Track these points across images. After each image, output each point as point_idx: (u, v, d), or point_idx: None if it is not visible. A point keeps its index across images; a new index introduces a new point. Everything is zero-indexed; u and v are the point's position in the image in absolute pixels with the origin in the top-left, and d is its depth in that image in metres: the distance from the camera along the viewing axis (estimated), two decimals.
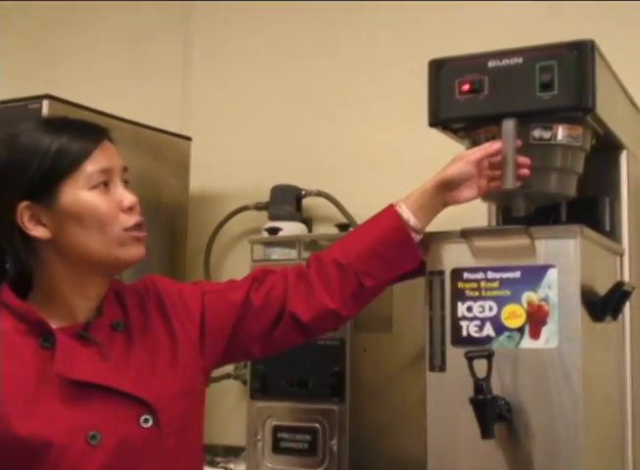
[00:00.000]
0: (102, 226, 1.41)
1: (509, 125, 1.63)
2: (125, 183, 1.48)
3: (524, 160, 1.62)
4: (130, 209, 1.45)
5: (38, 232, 1.41)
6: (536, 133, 1.66)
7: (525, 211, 1.69)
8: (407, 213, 1.63)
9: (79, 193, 1.40)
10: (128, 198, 1.45)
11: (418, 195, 1.65)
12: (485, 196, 1.72)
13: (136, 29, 3.13)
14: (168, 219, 2.67)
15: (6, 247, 1.45)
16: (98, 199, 1.41)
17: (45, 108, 2.21)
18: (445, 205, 1.66)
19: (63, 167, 1.39)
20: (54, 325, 1.42)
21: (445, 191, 1.64)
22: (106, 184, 1.43)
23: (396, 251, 1.63)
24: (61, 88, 2.37)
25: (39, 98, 2.23)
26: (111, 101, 2.63)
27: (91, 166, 1.41)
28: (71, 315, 1.45)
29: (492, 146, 1.63)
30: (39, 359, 1.38)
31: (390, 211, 1.64)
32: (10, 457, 1.34)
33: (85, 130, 1.46)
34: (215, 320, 1.56)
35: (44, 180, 1.39)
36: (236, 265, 2.72)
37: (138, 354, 1.46)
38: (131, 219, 1.44)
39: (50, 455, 1.33)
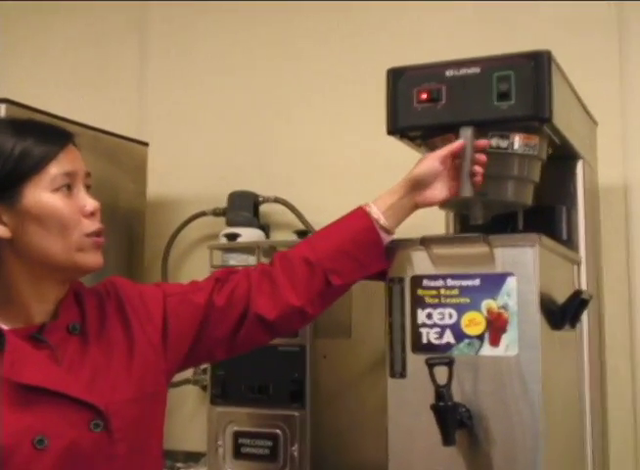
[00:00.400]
0: (63, 229, 1.40)
1: (466, 133, 1.65)
2: (87, 188, 1.47)
3: (478, 167, 1.63)
4: (92, 214, 1.44)
5: None
6: (493, 142, 1.68)
7: (483, 219, 1.71)
8: (377, 213, 1.64)
9: (42, 194, 1.39)
10: (91, 203, 1.45)
11: (387, 196, 1.66)
12: (443, 204, 1.73)
13: (91, 33, 3.10)
14: (126, 225, 2.65)
15: None
16: (60, 202, 1.41)
17: (3, 112, 2.18)
18: (416, 206, 1.67)
19: (27, 168, 1.39)
20: (8, 326, 1.41)
21: (415, 191, 1.65)
22: (69, 188, 1.42)
23: (366, 250, 1.64)
24: (16, 92, 2.34)
25: None
26: (67, 105, 2.60)
27: (55, 169, 1.40)
28: (27, 317, 1.43)
29: (456, 143, 1.65)
30: None
31: (360, 212, 1.66)
32: None
33: (51, 134, 1.45)
34: (178, 324, 1.55)
35: (7, 180, 1.38)
36: (193, 271, 2.71)
37: (93, 358, 1.44)
38: (92, 225, 1.44)
39: None
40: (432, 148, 1.74)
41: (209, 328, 1.58)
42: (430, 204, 1.68)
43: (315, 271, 1.61)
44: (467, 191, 1.63)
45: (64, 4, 3.13)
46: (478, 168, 1.63)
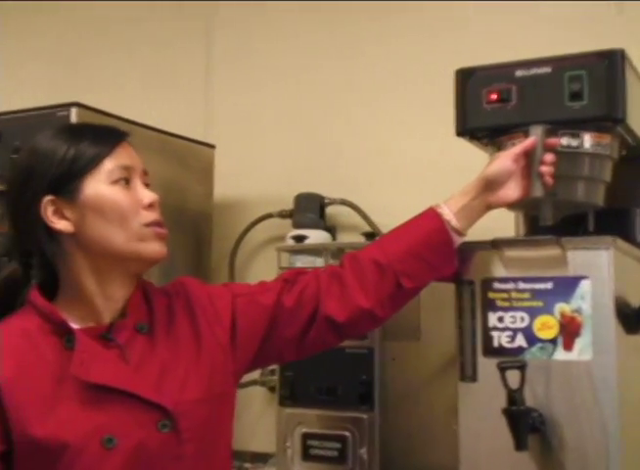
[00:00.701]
0: (122, 220, 1.43)
1: (537, 131, 1.62)
2: (146, 186, 1.50)
3: (548, 167, 1.60)
4: (151, 206, 1.47)
5: (62, 225, 1.43)
6: (564, 141, 1.65)
7: (553, 219, 1.68)
8: (449, 214, 1.60)
9: (101, 187, 1.43)
10: (148, 195, 1.47)
11: (459, 196, 1.63)
12: (513, 204, 1.70)
13: (160, 37, 3.14)
14: (193, 226, 2.68)
15: (31, 245, 1.47)
16: (119, 193, 1.44)
17: (73, 115, 2.22)
18: (489, 207, 1.63)
19: (84, 164, 1.42)
20: (79, 326, 1.43)
21: (488, 192, 1.61)
22: (127, 181, 1.46)
23: (437, 252, 1.60)
24: (86, 96, 2.37)
25: (67, 106, 2.24)
26: (136, 109, 2.64)
27: (111, 163, 1.44)
28: (96, 316, 1.46)
29: (529, 140, 1.61)
30: (62, 360, 1.39)
31: (432, 213, 1.62)
32: (26, 458, 1.35)
33: (105, 133, 1.49)
34: (247, 325, 1.55)
35: (65, 177, 1.42)
36: (260, 273, 2.70)
37: (161, 358, 1.45)
38: (151, 215, 1.46)
39: (65, 458, 1.34)
40: (498, 147, 1.72)
41: (278, 329, 1.57)
42: (503, 204, 1.64)
43: (386, 273, 1.58)
44: (537, 191, 1.61)
45: (131, 9, 3.17)
46: (547, 168, 1.60)
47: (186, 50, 3.09)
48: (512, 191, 1.62)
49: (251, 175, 2.88)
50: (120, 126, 1.54)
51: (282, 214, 2.71)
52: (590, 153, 1.67)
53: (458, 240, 1.62)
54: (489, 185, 1.61)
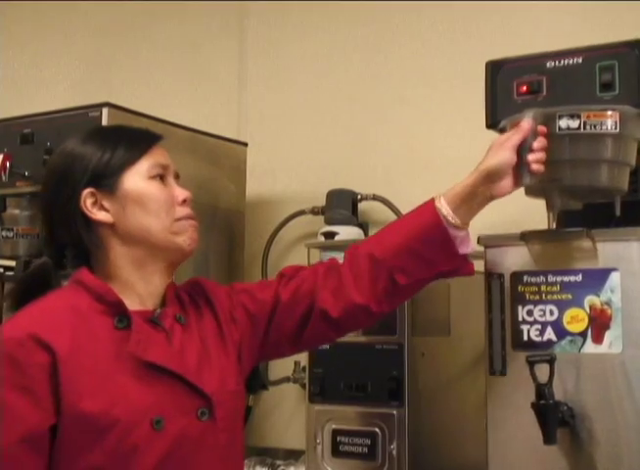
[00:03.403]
0: (159, 212, 1.47)
1: (528, 117, 1.54)
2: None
3: (534, 155, 1.52)
4: (184, 201, 1.51)
5: (101, 216, 1.46)
6: (562, 123, 1.56)
7: (564, 206, 1.61)
8: (447, 209, 1.53)
9: (139, 180, 1.48)
10: (182, 192, 1.51)
11: (460, 189, 1.54)
12: (528, 191, 1.64)
13: (192, 36, 3.15)
14: (226, 224, 2.68)
15: (68, 238, 1.49)
16: (157, 187, 1.49)
17: (105, 116, 2.24)
18: (491, 198, 1.55)
19: (123, 161, 1.47)
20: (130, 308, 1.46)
21: (489, 183, 1.53)
22: (162, 178, 1.50)
23: (433, 249, 1.54)
24: (119, 95, 2.39)
25: (99, 106, 2.25)
26: (168, 107, 2.66)
27: (149, 161, 1.49)
28: (140, 302, 1.48)
29: (525, 128, 1.53)
30: (114, 339, 1.41)
31: (430, 206, 1.55)
32: (72, 432, 1.36)
33: (141, 135, 1.54)
34: (249, 322, 1.58)
35: (106, 170, 1.46)
36: None
37: (197, 348, 1.48)
38: (183, 210, 1.50)
39: (113, 434, 1.35)
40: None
41: (275, 323, 1.58)
42: (505, 194, 1.55)
43: (380, 269, 1.54)
44: (525, 179, 1.53)
45: (163, 8, 3.19)
46: (533, 156, 1.52)
47: (218, 48, 3.10)
48: (510, 180, 1.54)
49: (284, 173, 2.88)
50: (152, 126, 1.58)
51: (314, 211, 2.71)
52: (613, 134, 1.56)
53: (458, 234, 1.54)
54: (491, 177, 1.53)
